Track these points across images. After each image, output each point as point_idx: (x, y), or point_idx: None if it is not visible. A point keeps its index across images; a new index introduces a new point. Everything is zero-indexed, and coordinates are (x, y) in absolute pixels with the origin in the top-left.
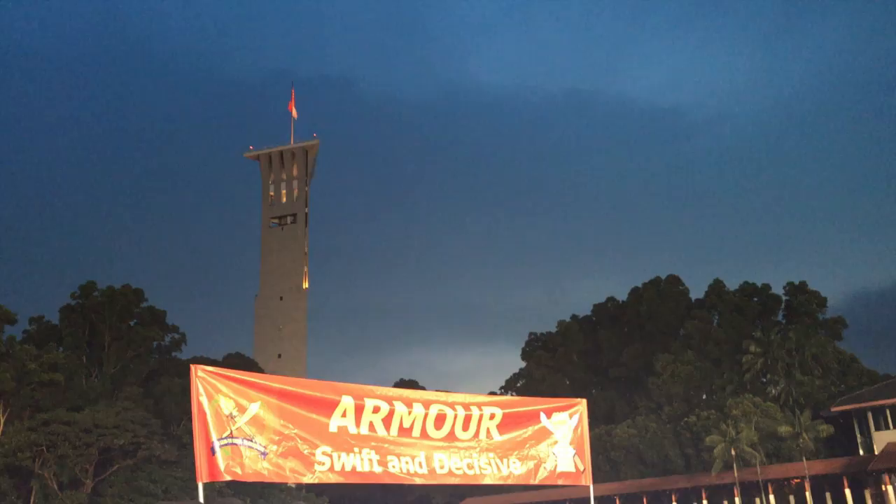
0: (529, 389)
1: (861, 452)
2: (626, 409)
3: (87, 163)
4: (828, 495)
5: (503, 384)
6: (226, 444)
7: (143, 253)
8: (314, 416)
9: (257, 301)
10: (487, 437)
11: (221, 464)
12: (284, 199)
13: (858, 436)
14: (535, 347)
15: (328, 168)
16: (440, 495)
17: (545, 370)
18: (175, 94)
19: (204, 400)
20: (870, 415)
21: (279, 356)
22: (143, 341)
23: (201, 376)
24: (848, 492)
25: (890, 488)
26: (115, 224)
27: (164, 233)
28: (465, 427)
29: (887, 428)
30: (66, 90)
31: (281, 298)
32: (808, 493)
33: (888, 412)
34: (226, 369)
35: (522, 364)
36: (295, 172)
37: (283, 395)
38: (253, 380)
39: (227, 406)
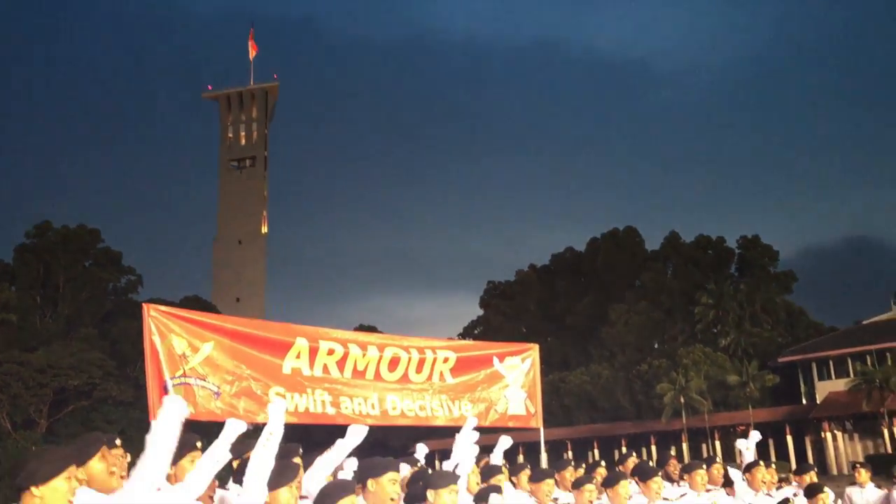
0: (487, 337)
1: (804, 402)
2: (580, 356)
3: (41, 100)
4: (770, 441)
5: (461, 331)
6: (179, 384)
7: (98, 193)
8: (267, 357)
9: (215, 244)
10: (440, 380)
11: None
12: (244, 142)
13: (802, 385)
14: (494, 296)
15: (289, 111)
16: (396, 439)
17: (502, 318)
18: (132, 30)
19: (157, 339)
20: (814, 365)
21: (237, 300)
22: (98, 283)
23: (154, 315)
24: (790, 438)
25: (829, 435)
26: (71, 162)
27: (120, 172)
28: (419, 370)
29: (829, 378)
30: (15, 24)
31: (240, 242)
32: None
33: (831, 363)
34: (179, 309)
35: (481, 312)
36: (254, 114)
37: (236, 335)
38: (206, 320)
39: (179, 346)
